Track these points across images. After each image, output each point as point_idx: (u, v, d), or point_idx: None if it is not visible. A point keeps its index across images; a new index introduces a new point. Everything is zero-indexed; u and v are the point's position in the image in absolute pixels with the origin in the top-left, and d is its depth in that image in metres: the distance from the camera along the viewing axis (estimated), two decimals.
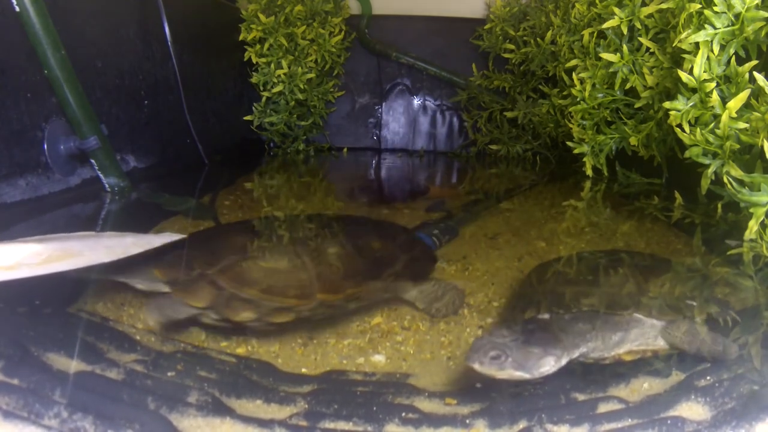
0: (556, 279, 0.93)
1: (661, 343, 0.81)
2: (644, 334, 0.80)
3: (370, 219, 1.49)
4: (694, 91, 1.18)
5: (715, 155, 1.16)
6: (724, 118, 1.10)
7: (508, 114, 2.49)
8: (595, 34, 1.75)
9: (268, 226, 1.32)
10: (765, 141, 0.99)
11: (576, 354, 0.75)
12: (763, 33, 1.09)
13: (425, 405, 0.69)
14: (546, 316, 0.81)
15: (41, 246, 0.84)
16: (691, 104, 1.19)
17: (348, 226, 1.30)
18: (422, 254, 1.16)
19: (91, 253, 0.85)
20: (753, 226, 1.03)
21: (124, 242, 0.93)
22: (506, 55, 2.44)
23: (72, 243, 0.89)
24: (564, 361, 0.72)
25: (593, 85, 1.74)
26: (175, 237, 0.99)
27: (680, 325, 0.79)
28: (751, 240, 1.06)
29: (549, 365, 0.70)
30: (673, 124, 1.23)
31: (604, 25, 1.64)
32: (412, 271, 1.05)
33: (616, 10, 1.60)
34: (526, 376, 0.68)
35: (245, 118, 2.49)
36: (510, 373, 0.68)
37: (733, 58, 1.12)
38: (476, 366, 0.67)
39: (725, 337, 0.76)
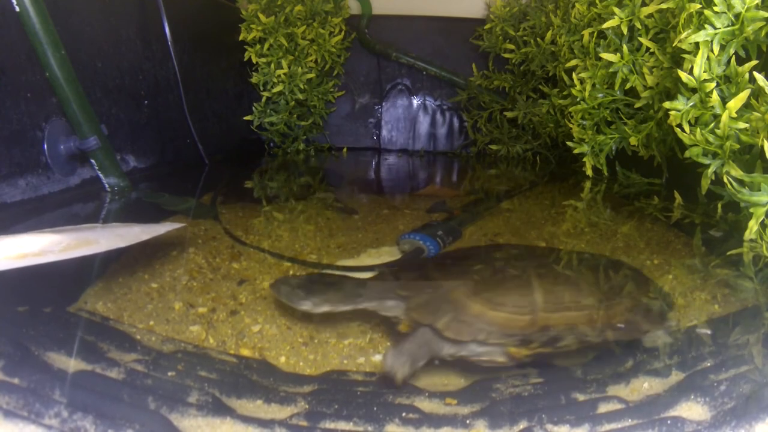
0: None
1: None
2: None
3: None
4: (694, 91, 1.18)
5: (715, 155, 1.16)
6: (724, 118, 1.10)
7: (508, 114, 2.49)
8: (595, 34, 1.75)
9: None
10: (765, 141, 0.99)
11: None
12: (763, 33, 1.09)
13: (425, 405, 0.69)
14: None
15: (59, 236, 0.88)
16: (691, 104, 1.19)
17: None
18: None
19: (106, 240, 0.91)
20: (753, 226, 1.03)
21: (133, 231, 1.01)
22: (506, 55, 2.44)
23: (86, 233, 0.94)
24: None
25: (593, 85, 1.74)
26: (176, 226, 1.12)
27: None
28: (751, 240, 1.06)
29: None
30: (673, 124, 1.23)
31: (604, 25, 1.64)
32: None
33: (616, 10, 1.60)
34: None
35: (245, 118, 2.48)
36: None
37: (733, 58, 1.12)
38: None
39: None
